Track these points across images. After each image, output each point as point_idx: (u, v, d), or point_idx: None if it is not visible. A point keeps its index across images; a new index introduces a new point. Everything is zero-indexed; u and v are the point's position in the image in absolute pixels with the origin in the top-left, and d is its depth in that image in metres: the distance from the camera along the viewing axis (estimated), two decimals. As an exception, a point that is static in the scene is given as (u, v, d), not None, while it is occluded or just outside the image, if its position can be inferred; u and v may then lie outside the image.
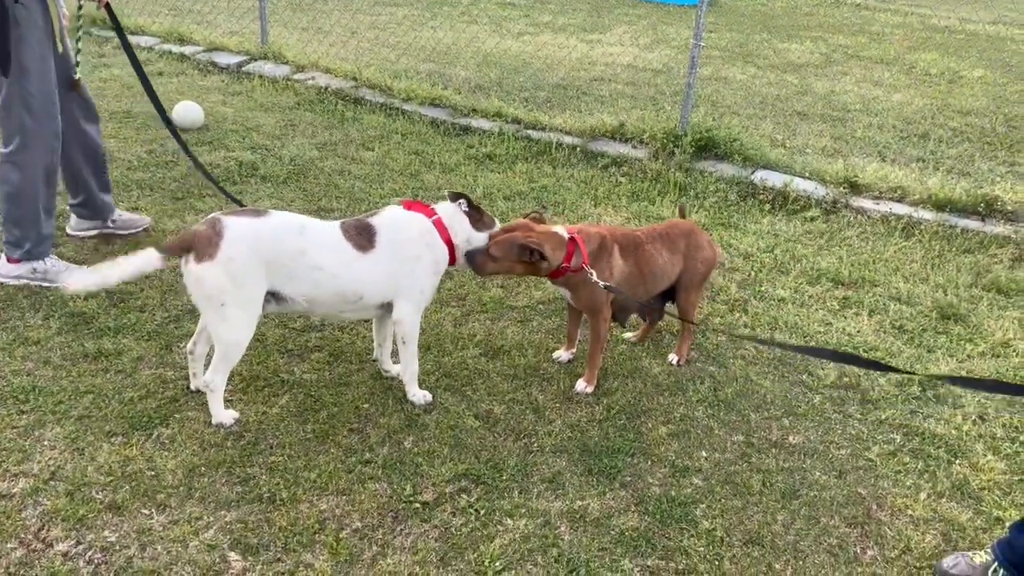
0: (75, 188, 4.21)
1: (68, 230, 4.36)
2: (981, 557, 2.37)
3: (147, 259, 2.75)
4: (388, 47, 9.64)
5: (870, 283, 4.26)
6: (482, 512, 2.62)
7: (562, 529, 2.57)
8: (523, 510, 2.64)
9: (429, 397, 3.17)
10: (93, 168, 4.18)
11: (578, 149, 6.01)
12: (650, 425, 3.08)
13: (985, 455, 2.98)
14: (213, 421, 2.97)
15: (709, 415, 3.16)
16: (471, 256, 3.04)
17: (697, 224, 3.74)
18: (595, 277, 3.02)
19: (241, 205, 3.89)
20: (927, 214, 4.97)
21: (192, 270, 2.76)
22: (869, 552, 2.55)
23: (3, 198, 3.76)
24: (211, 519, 2.54)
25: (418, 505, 2.64)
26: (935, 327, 3.86)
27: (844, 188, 5.26)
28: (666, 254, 3.27)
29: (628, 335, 3.69)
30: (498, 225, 3.21)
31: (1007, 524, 2.65)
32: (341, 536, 2.51)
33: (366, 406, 3.11)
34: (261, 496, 2.64)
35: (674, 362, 3.47)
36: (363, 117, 6.67)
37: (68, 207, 4.31)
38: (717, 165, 5.65)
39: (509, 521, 2.59)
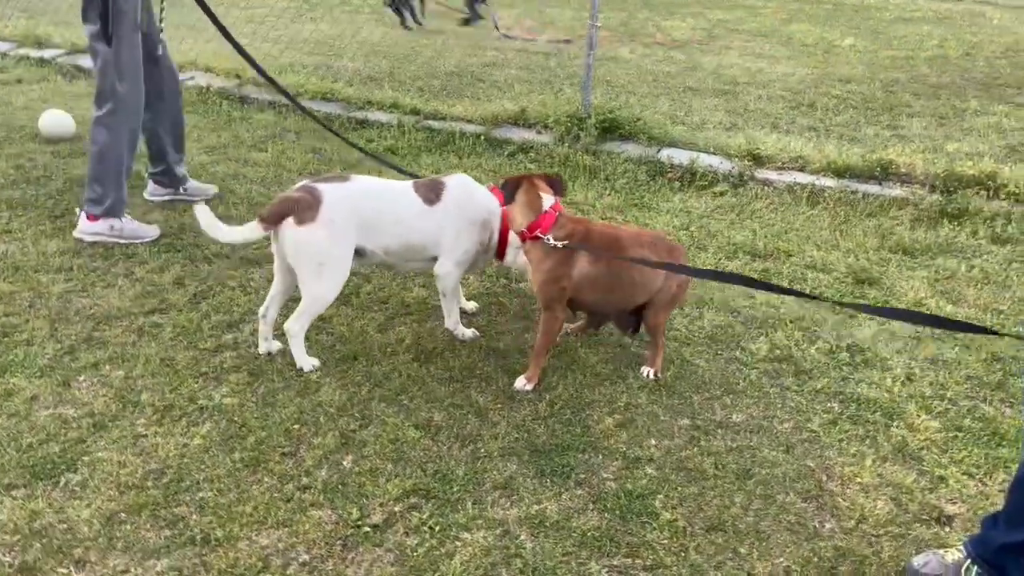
0: (157, 158, 4.57)
1: (145, 195, 4.70)
2: (953, 555, 2.31)
3: (252, 228, 3.09)
4: (269, 41, 9.21)
5: (785, 253, 4.33)
6: (437, 529, 2.48)
7: (523, 537, 2.46)
8: (479, 521, 2.51)
9: (477, 333, 3.49)
10: (173, 139, 4.54)
11: (482, 137, 5.88)
12: (596, 417, 3.00)
13: (919, 415, 3.05)
14: (297, 365, 3.22)
15: (652, 401, 3.11)
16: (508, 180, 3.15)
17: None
18: (552, 241, 2.94)
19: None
20: (829, 181, 5.10)
21: (292, 233, 3.03)
22: (827, 525, 2.56)
23: (91, 156, 4.13)
24: (139, 571, 2.30)
25: (368, 529, 2.47)
26: (852, 292, 3.94)
27: (748, 161, 5.35)
28: (647, 270, 3.03)
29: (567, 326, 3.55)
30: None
31: (950, 483, 2.71)
32: (288, 572, 2.32)
33: (296, 427, 2.91)
34: (193, 538, 2.41)
35: (650, 376, 3.24)
36: (252, 116, 6.34)
37: (147, 175, 4.68)
38: (623, 146, 5.64)
39: (467, 535, 2.46)
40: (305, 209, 3.03)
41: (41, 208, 4.53)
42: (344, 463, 2.74)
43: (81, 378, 3.14)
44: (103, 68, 3.98)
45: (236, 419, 2.93)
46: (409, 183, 3.35)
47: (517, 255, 3.39)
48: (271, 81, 4.38)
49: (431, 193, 3.29)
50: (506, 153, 5.69)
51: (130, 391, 3.07)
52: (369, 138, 5.96)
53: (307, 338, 3.36)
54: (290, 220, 3.03)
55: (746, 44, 10.23)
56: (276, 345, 3.36)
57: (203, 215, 3.18)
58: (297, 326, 3.19)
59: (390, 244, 3.24)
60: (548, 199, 3.07)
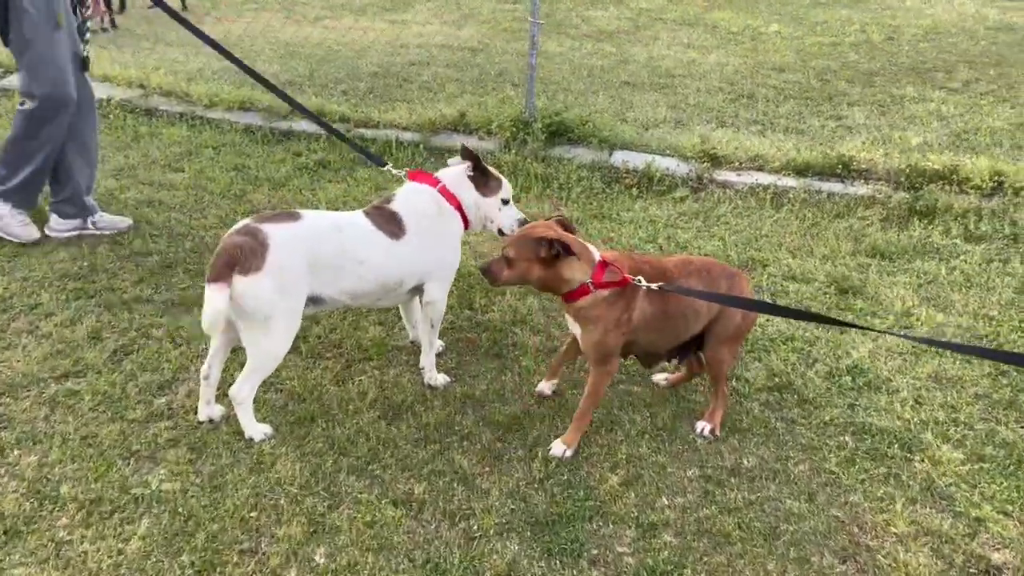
0: (63, 179, 4.18)
1: (46, 231, 4.24)
2: None
3: (214, 298, 2.51)
4: (169, 44, 8.55)
5: (760, 263, 4.08)
6: (438, 638, 2.10)
7: (540, 640, 2.11)
8: (486, 623, 2.15)
9: (448, 379, 3.11)
10: (85, 159, 4.19)
11: (420, 146, 5.47)
12: (597, 475, 2.66)
13: (938, 445, 2.83)
14: (246, 435, 2.78)
15: (655, 449, 2.80)
16: (486, 267, 2.72)
17: (717, 259, 3.28)
18: (643, 282, 2.61)
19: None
20: (791, 181, 4.90)
21: (236, 284, 2.55)
22: (872, 589, 2.29)
23: (7, 139, 4.01)
24: None
25: (356, 647, 2.08)
26: (838, 304, 3.72)
27: (705, 163, 5.09)
28: (698, 304, 2.70)
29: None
30: (506, 185, 3.16)
31: (988, 525, 2.49)
32: None
33: (254, 515, 2.47)
34: None
35: (705, 432, 2.86)
36: (161, 132, 5.74)
37: (48, 207, 4.27)
38: (572, 150, 5.32)
39: (474, 643, 2.10)
40: (249, 256, 2.58)
41: (-78, 253, 3.91)
42: (316, 558, 2.33)
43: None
44: (20, 68, 3.91)
45: (180, 510, 2.47)
46: (361, 214, 2.97)
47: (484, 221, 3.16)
48: (303, 109, 3.88)
49: (392, 226, 2.93)
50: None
51: (46, 482, 2.57)
52: (296, 151, 5.46)
53: (256, 398, 2.93)
54: (235, 270, 2.57)
55: (673, 34, 10.05)
56: (219, 410, 2.91)
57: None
58: (245, 390, 2.75)
59: (357, 287, 2.86)
60: (594, 248, 2.71)
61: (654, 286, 2.61)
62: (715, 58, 8.71)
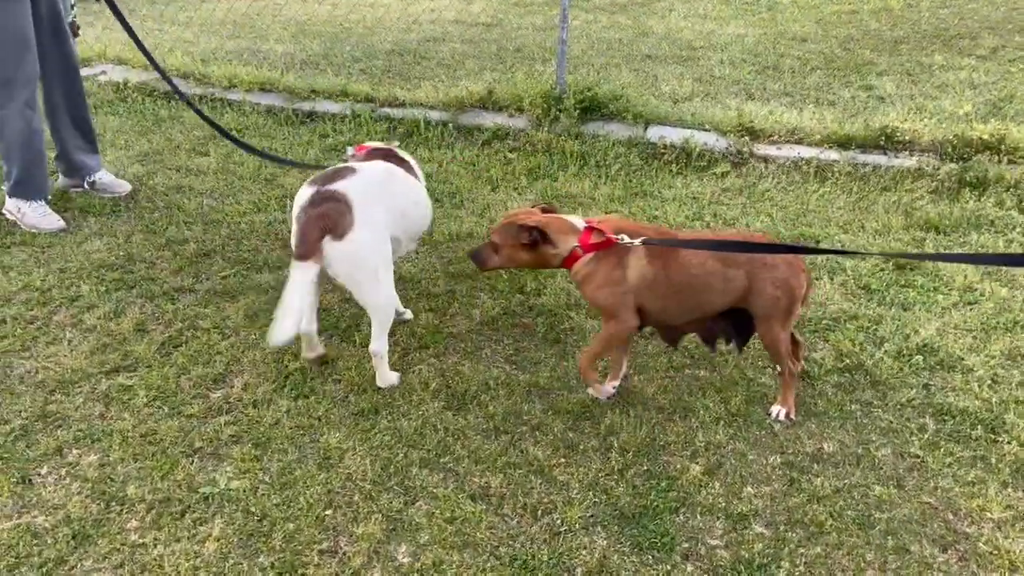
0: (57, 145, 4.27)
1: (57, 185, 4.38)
2: None
3: (303, 275, 2.60)
4: (179, 24, 8.37)
5: (812, 239, 3.98)
6: (537, 639, 2.03)
7: (642, 639, 2.03)
8: (584, 622, 2.08)
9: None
10: (67, 121, 4.23)
11: (450, 125, 5.33)
12: (678, 465, 2.58)
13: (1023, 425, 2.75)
14: (383, 384, 2.92)
15: (732, 436, 2.72)
16: (474, 253, 2.84)
17: (756, 231, 3.14)
18: (627, 240, 2.60)
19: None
20: (833, 154, 4.78)
21: (337, 250, 2.63)
22: (977, 579, 2.22)
23: None
24: None
25: (454, 650, 2.01)
26: (898, 281, 3.62)
27: (744, 137, 4.97)
28: (714, 264, 2.59)
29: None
30: (416, 167, 3.24)
31: (1087, 507, 2.42)
32: None
33: (329, 513, 2.39)
34: None
35: (780, 416, 2.78)
36: (183, 115, 5.61)
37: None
38: (606, 127, 5.19)
39: (575, 644, 2.02)
40: (339, 219, 2.64)
41: (-48, 246, 3.80)
42: (399, 557, 2.25)
43: (43, 470, 2.54)
44: None
45: (253, 510, 2.39)
46: (387, 163, 3.06)
47: None
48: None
49: (411, 172, 3.16)
50: (480, 142, 5.16)
51: (110, 483, 2.49)
52: (322, 132, 5.33)
53: (314, 389, 2.86)
54: (327, 238, 2.62)
55: (688, 4, 9.85)
56: (322, 348, 3.06)
57: (282, 335, 2.56)
58: (383, 344, 2.85)
59: (415, 228, 3.08)
60: (576, 218, 2.76)
61: (636, 242, 2.60)
62: (733, 29, 8.54)
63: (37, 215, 4.01)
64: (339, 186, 2.69)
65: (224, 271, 3.68)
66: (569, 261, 2.71)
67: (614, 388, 2.93)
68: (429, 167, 4.80)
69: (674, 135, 5.01)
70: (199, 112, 4.16)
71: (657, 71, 6.86)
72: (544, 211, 2.82)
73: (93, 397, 2.86)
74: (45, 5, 3.88)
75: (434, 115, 5.44)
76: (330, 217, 2.62)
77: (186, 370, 3.02)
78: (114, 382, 2.94)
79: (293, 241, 2.68)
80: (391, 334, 2.93)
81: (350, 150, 3.32)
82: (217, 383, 2.96)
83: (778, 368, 2.83)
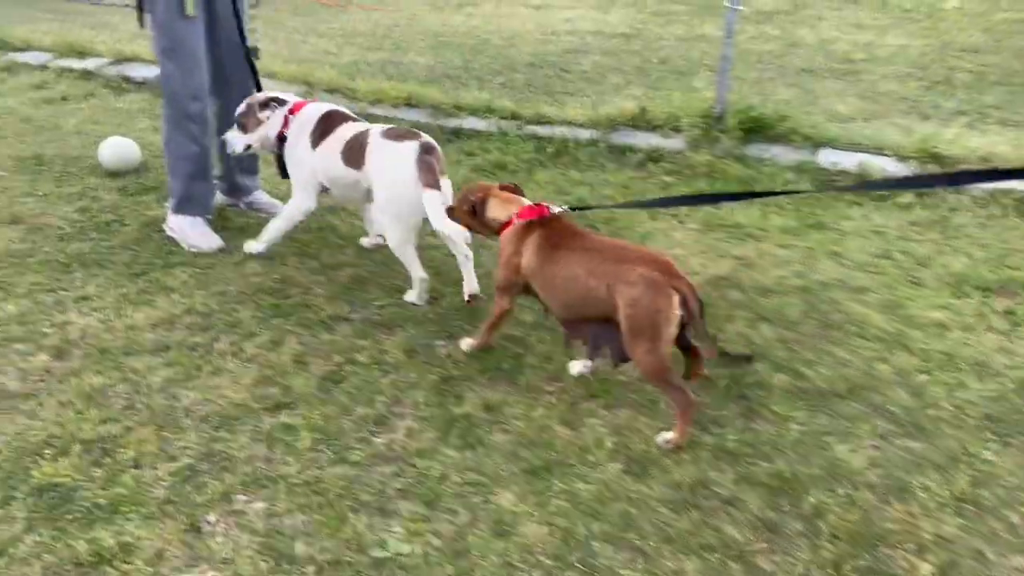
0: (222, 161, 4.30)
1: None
2: None
3: (459, 230, 3.21)
4: (321, 36, 8.47)
5: (1021, 285, 3.53)
6: None
7: None
8: None
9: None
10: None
11: (600, 145, 5.10)
12: (902, 562, 2.25)
13: None
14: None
15: (963, 527, 2.35)
16: (448, 208, 3.22)
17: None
18: (555, 209, 2.93)
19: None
20: (1037, 186, 4.28)
21: (445, 185, 3.40)
22: None
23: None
24: None
25: None
26: None
27: (928, 163, 4.52)
28: (579, 270, 2.68)
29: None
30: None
31: None
32: None
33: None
34: None
35: (665, 443, 2.65)
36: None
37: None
38: (770, 149, 4.84)
39: None
40: (441, 160, 3.42)
41: (118, 265, 3.82)
42: (591, 652, 2.02)
43: (211, 517, 2.44)
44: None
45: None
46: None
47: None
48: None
49: None
50: (633, 163, 4.90)
51: (279, 537, 2.36)
52: (468, 151, 5.20)
53: (481, 440, 2.69)
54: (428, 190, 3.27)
55: (838, 13, 9.30)
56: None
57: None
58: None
59: None
60: (526, 201, 3.04)
61: (564, 208, 2.92)
62: (893, 39, 7.97)
63: (197, 233, 4.02)
64: (422, 141, 3.39)
65: (380, 300, 3.56)
66: (504, 227, 2.99)
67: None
68: (581, 190, 4.58)
69: (847, 160, 4.61)
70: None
71: (815, 87, 6.43)
72: (504, 188, 3.10)
73: (257, 437, 2.76)
74: (225, 27, 3.90)
75: (583, 134, 5.22)
76: (438, 158, 3.36)
77: (347, 410, 2.89)
78: (276, 420, 2.84)
79: (415, 177, 3.29)
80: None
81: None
82: (380, 426, 2.82)
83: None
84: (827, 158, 4.66)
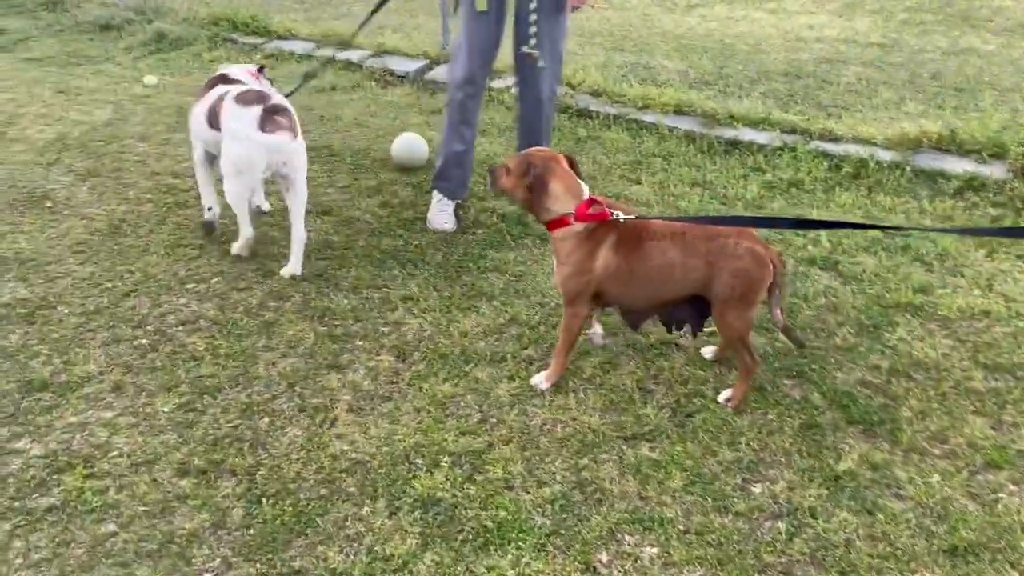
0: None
1: None
2: None
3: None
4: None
5: None
6: None
7: None
8: None
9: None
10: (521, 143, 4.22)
11: (904, 169, 4.67)
12: None
13: None
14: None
15: None
16: (492, 168, 2.97)
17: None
18: (622, 216, 2.70)
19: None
20: None
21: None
22: None
23: None
24: None
25: None
26: None
27: None
28: (674, 255, 2.69)
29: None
30: None
31: None
32: None
33: None
34: None
35: (726, 403, 2.86)
36: (600, 135, 5.43)
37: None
38: (1117, 185, 4.27)
39: None
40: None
41: (431, 266, 3.79)
42: None
43: (603, 557, 2.31)
44: None
45: None
46: None
47: None
48: None
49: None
50: (949, 192, 4.46)
51: (682, 591, 2.19)
52: (754, 166, 4.89)
53: (876, 505, 2.41)
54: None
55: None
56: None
57: None
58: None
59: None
60: (586, 187, 2.81)
61: (631, 216, 2.71)
62: None
63: (436, 210, 4.13)
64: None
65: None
66: (556, 224, 2.78)
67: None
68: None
69: None
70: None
71: None
72: (569, 162, 2.86)
73: (624, 469, 2.62)
74: (520, 30, 3.90)
75: (882, 154, 4.81)
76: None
77: (712, 451, 2.69)
78: (638, 452, 2.68)
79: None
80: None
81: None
82: (752, 473, 2.61)
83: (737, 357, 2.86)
84: None
